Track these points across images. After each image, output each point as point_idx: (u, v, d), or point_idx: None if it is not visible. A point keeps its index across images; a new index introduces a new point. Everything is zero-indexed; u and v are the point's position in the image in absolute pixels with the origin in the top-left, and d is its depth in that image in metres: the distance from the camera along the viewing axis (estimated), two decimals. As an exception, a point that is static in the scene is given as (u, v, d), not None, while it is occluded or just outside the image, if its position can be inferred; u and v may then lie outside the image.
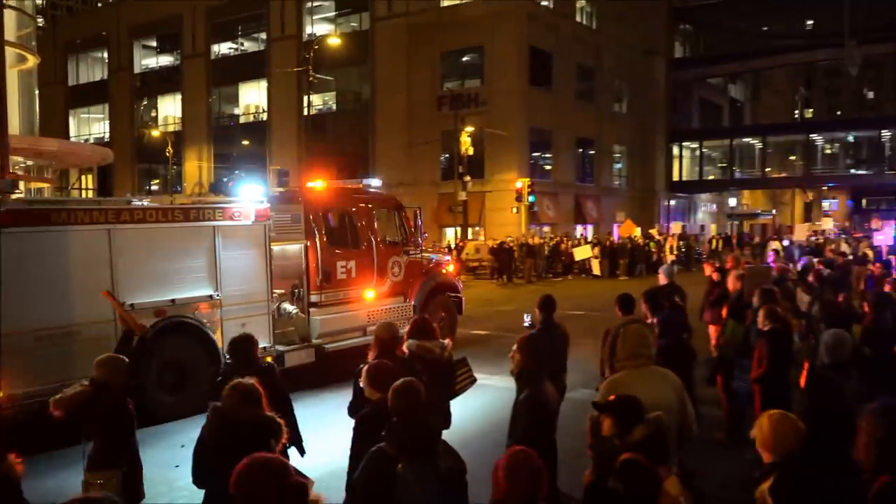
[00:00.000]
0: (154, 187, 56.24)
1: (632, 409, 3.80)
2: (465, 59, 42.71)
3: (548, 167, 45.05)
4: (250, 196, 11.05)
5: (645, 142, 53.42)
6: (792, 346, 7.37)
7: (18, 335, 8.25)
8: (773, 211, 70.59)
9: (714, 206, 65.41)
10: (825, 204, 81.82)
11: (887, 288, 10.65)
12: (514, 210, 37.68)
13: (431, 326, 6.20)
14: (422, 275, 13.90)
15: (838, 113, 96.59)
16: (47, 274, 8.66)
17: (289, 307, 11.62)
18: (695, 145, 58.65)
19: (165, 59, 56.15)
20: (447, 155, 41.12)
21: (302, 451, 5.90)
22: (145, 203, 10.09)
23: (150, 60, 57.14)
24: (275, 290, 11.30)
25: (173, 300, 9.89)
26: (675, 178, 57.34)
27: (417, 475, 3.54)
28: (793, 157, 58.30)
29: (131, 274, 9.43)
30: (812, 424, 4.65)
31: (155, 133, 51.88)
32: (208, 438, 4.15)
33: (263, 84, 49.92)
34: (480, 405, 9.62)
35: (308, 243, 11.86)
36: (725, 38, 60.52)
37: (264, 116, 50.20)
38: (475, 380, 6.47)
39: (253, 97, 51.86)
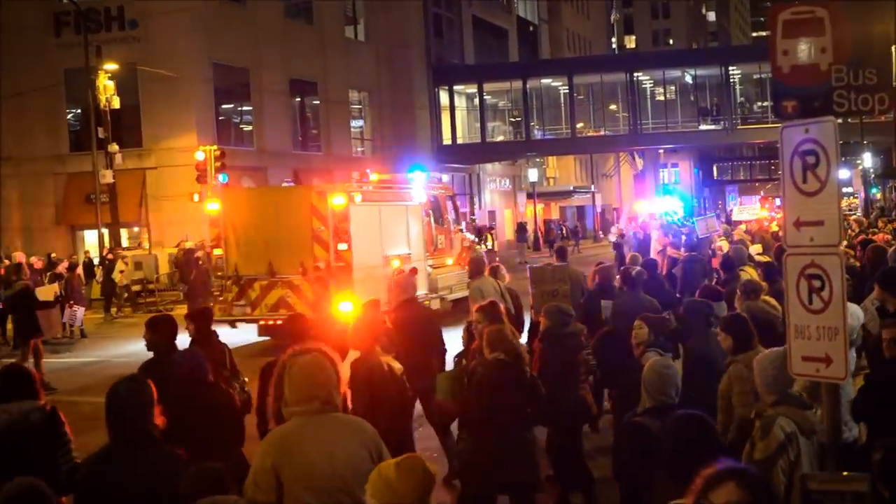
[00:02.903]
0: None
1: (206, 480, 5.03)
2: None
3: (247, 127, 46.60)
4: (417, 182, 25.71)
5: (398, 85, 55.66)
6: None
7: (360, 269, 21.52)
8: (593, 187, 75.93)
9: (508, 181, 68.86)
10: (663, 173, 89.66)
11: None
12: (196, 197, 37.16)
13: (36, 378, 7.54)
14: (469, 249, 27.88)
15: (670, 42, 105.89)
16: (367, 232, 22.07)
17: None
18: (472, 89, 61.60)
19: None
20: (77, 110, 41.73)
21: None
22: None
23: None
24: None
25: (398, 254, 22.96)
26: (447, 139, 60.09)
27: None
28: (613, 107, 62.94)
29: (388, 235, 23.17)
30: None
31: None
32: None
33: None
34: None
35: (426, 220, 25.12)
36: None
37: None
38: None
39: None
